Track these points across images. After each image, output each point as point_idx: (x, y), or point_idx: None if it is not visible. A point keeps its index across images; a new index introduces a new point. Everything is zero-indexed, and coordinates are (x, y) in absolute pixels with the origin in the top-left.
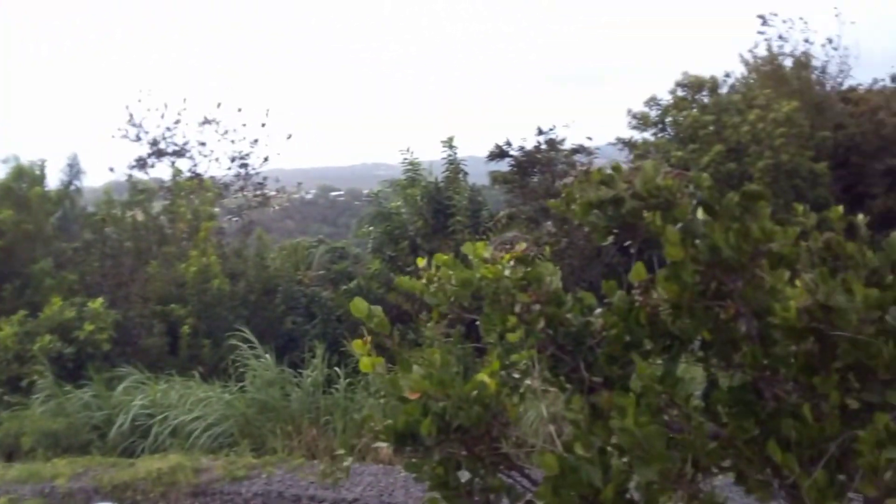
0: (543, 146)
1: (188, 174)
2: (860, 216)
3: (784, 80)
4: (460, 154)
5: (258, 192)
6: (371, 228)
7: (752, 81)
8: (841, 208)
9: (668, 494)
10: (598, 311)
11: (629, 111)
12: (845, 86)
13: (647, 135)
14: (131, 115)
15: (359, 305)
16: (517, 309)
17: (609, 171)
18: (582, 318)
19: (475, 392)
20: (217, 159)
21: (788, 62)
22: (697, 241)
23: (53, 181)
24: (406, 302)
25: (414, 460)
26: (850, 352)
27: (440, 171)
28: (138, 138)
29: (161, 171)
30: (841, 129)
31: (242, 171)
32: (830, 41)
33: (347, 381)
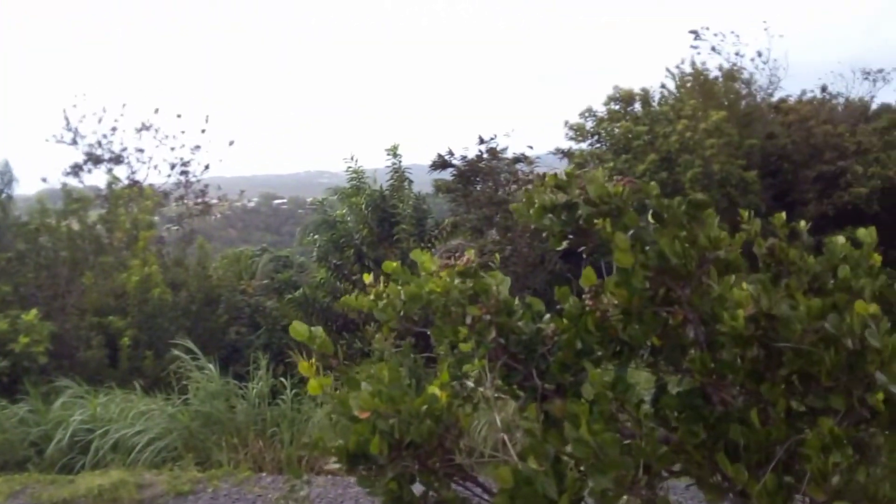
0: (485, 155)
1: (126, 182)
2: (802, 222)
3: (711, 93)
4: (405, 162)
5: (199, 200)
6: (316, 237)
7: (682, 93)
8: (784, 214)
9: (620, 500)
10: (547, 317)
11: (566, 122)
12: (776, 97)
13: (584, 145)
14: (67, 120)
15: (298, 329)
16: (468, 321)
17: (563, 177)
18: (533, 326)
19: (426, 406)
20: (156, 166)
21: (717, 75)
22: (647, 248)
23: None
24: (353, 311)
25: (366, 473)
26: (794, 360)
27: (385, 179)
28: (74, 142)
29: (97, 178)
30: (772, 138)
31: (183, 178)
32: (760, 54)
33: (294, 391)
